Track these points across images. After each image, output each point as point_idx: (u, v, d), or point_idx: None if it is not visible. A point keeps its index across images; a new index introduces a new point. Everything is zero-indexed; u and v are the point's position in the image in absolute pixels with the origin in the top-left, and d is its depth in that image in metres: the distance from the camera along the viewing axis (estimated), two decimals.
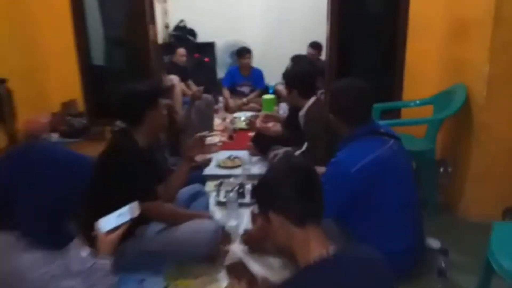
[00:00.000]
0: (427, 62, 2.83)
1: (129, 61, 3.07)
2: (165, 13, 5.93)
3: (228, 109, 5.15)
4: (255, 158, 3.44)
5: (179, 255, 1.87)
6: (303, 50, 5.18)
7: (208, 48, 5.91)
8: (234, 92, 5.37)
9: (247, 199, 2.72)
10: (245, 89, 5.39)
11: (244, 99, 5.26)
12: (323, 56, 5.03)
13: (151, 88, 1.97)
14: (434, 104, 2.63)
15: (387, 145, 1.71)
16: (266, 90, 5.52)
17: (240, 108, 5.15)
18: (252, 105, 5.19)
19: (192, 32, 5.93)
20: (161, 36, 5.90)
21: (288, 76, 2.75)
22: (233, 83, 5.38)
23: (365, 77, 3.00)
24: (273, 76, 5.38)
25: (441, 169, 2.51)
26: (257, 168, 3.20)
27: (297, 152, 2.86)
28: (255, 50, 5.52)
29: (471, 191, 2.37)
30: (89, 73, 2.96)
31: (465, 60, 2.41)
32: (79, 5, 2.80)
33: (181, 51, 5.04)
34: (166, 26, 5.97)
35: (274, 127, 3.43)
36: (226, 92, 5.29)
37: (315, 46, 5.07)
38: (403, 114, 3.08)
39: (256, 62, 5.56)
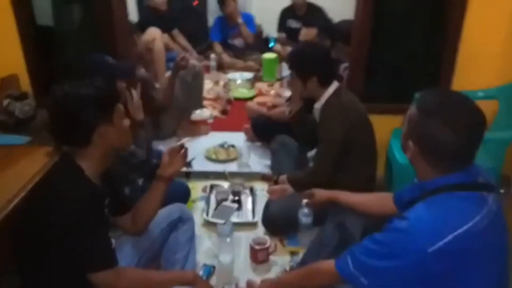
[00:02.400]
0: (495, 38, 2.06)
1: (87, 20, 2.26)
2: None
3: (222, 67, 4.36)
4: (254, 146, 2.78)
5: None
6: None
7: None
8: (226, 46, 4.55)
9: (245, 215, 2.11)
10: (238, 41, 4.54)
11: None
12: None
13: (103, 89, 1.26)
14: (500, 99, 1.95)
15: (486, 207, 1.07)
16: (266, 43, 4.70)
17: (235, 67, 4.38)
18: (250, 63, 4.41)
19: None
20: None
21: (298, 60, 1.94)
22: (223, 35, 4.53)
23: (403, 49, 2.25)
24: (275, 25, 4.51)
25: (502, 190, 1.90)
26: (257, 163, 2.55)
27: (309, 154, 2.21)
28: None
29: None
30: (33, 37, 2.16)
31: None
32: None
33: None
34: None
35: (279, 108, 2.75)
36: (218, 47, 4.47)
37: None
38: None
39: (255, 7, 4.68)
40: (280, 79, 4.04)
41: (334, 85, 1.93)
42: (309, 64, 1.90)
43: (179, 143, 1.57)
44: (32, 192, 1.32)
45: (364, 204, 1.58)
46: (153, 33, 3.77)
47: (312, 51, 1.93)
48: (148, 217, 1.54)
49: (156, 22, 4.08)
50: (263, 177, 2.41)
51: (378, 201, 1.53)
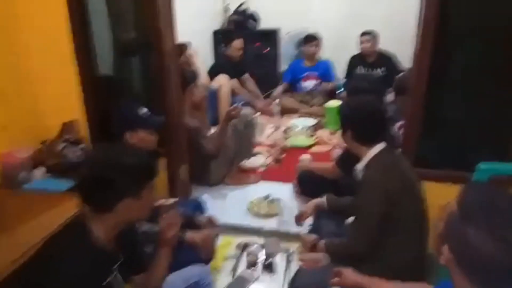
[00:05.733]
0: None
1: (142, 72, 2.40)
2: None
3: (286, 111, 4.31)
4: (301, 201, 2.63)
5: None
6: (386, 45, 4.11)
7: (272, 36, 5.06)
8: (294, 89, 4.53)
9: (277, 282, 1.94)
10: (309, 83, 4.49)
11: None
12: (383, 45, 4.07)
13: (143, 163, 1.27)
14: None
15: None
16: (333, 90, 4.59)
17: (299, 112, 4.31)
18: (314, 108, 4.30)
19: (254, 17, 5.11)
20: (220, 21, 5.23)
21: (340, 110, 1.86)
22: (294, 77, 4.53)
23: (468, 108, 1.93)
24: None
25: None
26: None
27: (347, 221, 2.01)
28: (326, 42, 4.56)
29: None
30: (93, 85, 2.33)
31: None
32: (79, 4, 2.16)
33: (238, 43, 4.28)
34: (226, 10, 5.23)
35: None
36: (279, 88, 4.50)
37: (369, 33, 4.04)
38: None
39: (327, 56, 4.62)
40: None
41: (379, 146, 1.74)
42: (345, 117, 1.78)
43: (168, 203, 1.54)
44: (43, 245, 1.35)
45: None
46: (220, 80, 3.92)
47: (353, 105, 1.80)
48: (157, 282, 1.51)
49: (228, 68, 4.25)
50: (301, 239, 2.24)
51: None
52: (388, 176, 1.66)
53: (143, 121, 1.80)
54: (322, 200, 2.11)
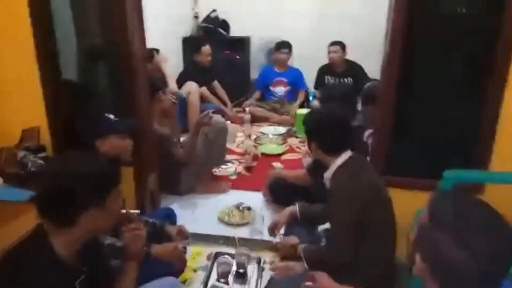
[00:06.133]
0: None
1: (109, 77, 2.32)
2: (195, 1, 5.14)
3: (257, 119, 4.31)
4: (272, 209, 2.61)
5: None
6: (354, 56, 4.18)
7: (242, 44, 5.06)
8: (265, 96, 4.56)
9: None
10: (280, 89, 4.52)
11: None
12: (351, 56, 4.16)
13: (104, 171, 1.22)
14: None
15: None
16: (306, 97, 4.62)
17: (270, 120, 4.32)
18: (285, 117, 4.33)
19: (224, 25, 5.10)
20: (189, 28, 5.18)
21: (305, 121, 1.84)
22: (265, 84, 4.56)
23: (436, 117, 1.95)
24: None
25: None
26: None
27: (321, 228, 2.01)
28: (296, 52, 4.60)
29: None
30: (57, 91, 2.22)
31: None
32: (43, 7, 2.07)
33: (207, 50, 4.24)
34: (196, 16, 5.19)
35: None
36: (253, 96, 4.54)
37: (337, 43, 4.09)
38: (488, 193, 1.93)
39: (297, 65, 4.66)
40: None
41: (345, 155, 1.75)
42: (310, 128, 1.79)
43: (131, 213, 1.49)
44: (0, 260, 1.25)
45: None
46: (189, 87, 3.88)
47: (316, 116, 1.81)
48: None
49: (198, 75, 4.19)
50: (273, 248, 2.21)
51: None
52: (355, 184, 1.67)
53: (111, 126, 1.73)
54: (295, 208, 2.10)
